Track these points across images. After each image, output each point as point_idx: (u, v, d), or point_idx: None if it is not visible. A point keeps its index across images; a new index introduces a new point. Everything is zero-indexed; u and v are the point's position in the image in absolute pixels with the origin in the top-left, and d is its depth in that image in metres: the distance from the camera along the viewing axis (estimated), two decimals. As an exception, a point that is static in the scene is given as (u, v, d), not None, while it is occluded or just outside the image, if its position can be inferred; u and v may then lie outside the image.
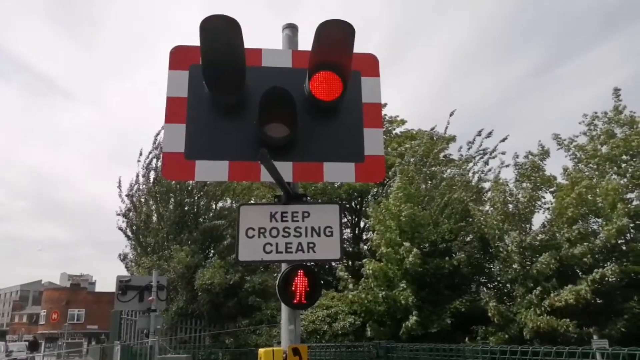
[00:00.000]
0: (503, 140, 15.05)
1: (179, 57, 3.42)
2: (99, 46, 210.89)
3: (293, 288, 3.16)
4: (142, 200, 21.27)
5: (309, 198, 3.61)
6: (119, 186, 21.68)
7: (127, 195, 21.43)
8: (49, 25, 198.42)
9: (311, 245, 3.27)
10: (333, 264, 19.07)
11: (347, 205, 21.18)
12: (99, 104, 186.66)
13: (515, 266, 12.41)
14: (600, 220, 12.65)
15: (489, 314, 11.86)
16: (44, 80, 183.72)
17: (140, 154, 20.68)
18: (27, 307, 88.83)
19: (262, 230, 3.27)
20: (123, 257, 22.96)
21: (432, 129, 17.85)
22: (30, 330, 71.97)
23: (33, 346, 39.03)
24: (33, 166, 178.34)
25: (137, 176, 21.04)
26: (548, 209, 13.71)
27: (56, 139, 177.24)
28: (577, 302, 10.84)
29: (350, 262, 17.35)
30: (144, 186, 21.02)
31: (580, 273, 12.06)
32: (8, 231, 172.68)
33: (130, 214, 21.38)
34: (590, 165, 14.42)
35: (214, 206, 20.80)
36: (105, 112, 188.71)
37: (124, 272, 22.61)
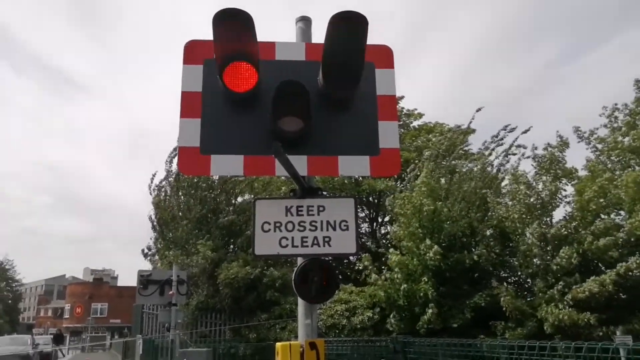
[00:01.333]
0: (525, 132, 14.84)
1: (193, 51, 3.43)
2: (118, 42, 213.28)
3: (309, 282, 3.16)
4: (168, 193, 21.72)
5: (324, 192, 3.60)
6: (152, 178, 22.17)
7: (154, 189, 21.93)
8: (67, 21, 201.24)
9: (327, 239, 3.26)
10: (351, 258, 19.10)
11: (365, 200, 21.12)
12: (118, 99, 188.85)
13: (535, 260, 12.23)
14: (623, 213, 12.39)
15: (504, 307, 11.70)
16: (62, 76, 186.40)
17: (174, 150, 21.02)
18: (52, 302, 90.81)
19: (277, 225, 3.27)
20: (146, 252, 23.41)
21: (458, 126, 17.65)
22: (55, 324, 73.58)
23: (58, 339, 39.83)
24: (54, 161, 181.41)
25: (166, 171, 21.54)
26: (569, 202, 13.47)
27: (76, 134, 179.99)
28: (600, 294, 10.63)
29: (371, 253, 17.24)
30: (170, 180, 21.46)
31: (603, 267, 11.83)
32: (31, 226, 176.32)
33: (159, 208, 21.83)
34: (612, 157, 14.13)
35: (233, 201, 21.02)
36: (124, 107, 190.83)
37: (145, 266, 23.05)
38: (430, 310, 11.93)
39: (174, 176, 21.24)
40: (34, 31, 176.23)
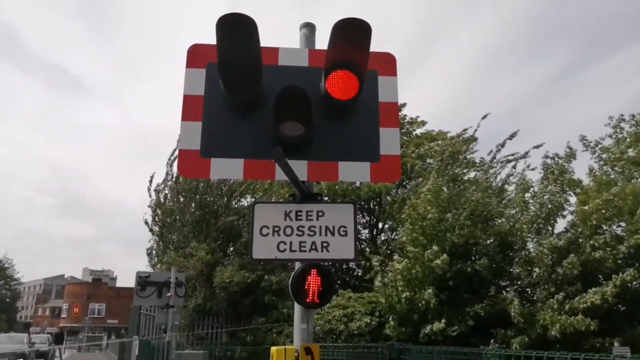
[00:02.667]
0: (537, 147, 14.84)
1: (196, 55, 3.45)
2: (122, 44, 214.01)
3: (306, 287, 3.16)
4: (168, 196, 21.76)
5: (324, 197, 3.61)
6: (151, 180, 22.22)
7: (155, 191, 21.99)
8: (73, 22, 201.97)
9: (325, 244, 3.26)
10: (351, 264, 19.08)
11: (365, 206, 21.10)
12: (122, 101, 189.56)
13: (537, 269, 12.20)
14: (623, 224, 12.37)
15: (512, 314, 11.64)
16: (68, 77, 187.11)
17: (174, 152, 21.09)
18: (50, 301, 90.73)
19: (276, 229, 3.27)
20: (149, 252, 23.50)
21: (464, 130, 17.61)
22: (52, 323, 73.51)
23: (58, 338, 39.73)
24: (58, 162, 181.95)
25: (167, 174, 21.61)
26: (571, 212, 13.46)
27: (80, 136, 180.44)
28: (601, 305, 10.62)
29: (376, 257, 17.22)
30: (169, 183, 21.52)
31: (601, 279, 11.82)
32: (34, 227, 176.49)
33: (158, 210, 21.89)
34: (616, 168, 14.12)
35: (234, 204, 21.03)
36: (128, 110, 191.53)
37: (145, 268, 23.08)
38: (436, 324, 11.85)
39: (173, 179, 21.26)
40: (39, 31, 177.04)
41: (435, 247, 12.35)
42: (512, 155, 15.38)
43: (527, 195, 13.48)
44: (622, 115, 14.95)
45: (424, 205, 13.31)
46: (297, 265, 3.27)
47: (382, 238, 21.04)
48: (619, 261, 11.44)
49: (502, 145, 15.52)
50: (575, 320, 10.62)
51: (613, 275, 10.76)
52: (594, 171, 14.06)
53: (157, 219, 22.17)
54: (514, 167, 15.21)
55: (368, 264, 14.26)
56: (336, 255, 3.27)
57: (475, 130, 16.87)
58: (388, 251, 17.11)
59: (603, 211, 12.00)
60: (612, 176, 13.61)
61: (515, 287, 14.14)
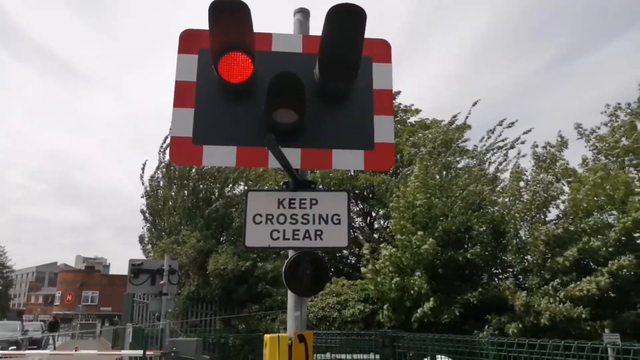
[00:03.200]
0: (526, 132, 14.89)
1: (188, 40, 3.39)
2: (119, 33, 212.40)
3: (299, 275, 3.15)
4: (161, 184, 21.70)
5: (318, 185, 3.59)
6: (143, 168, 22.12)
7: (149, 179, 21.91)
8: (69, 10, 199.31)
9: (318, 232, 3.24)
10: (344, 251, 19.13)
11: (360, 194, 21.12)
12: (118, 90, 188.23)
13: (529, 257, 12.30)
14: (615, 212, 12.47)
15: (515, 303, 11.69)
16: (63, 65, 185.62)
17: (166, 139, 20.98)
18: (42, 288, 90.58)
19: (269, 217, 3.25)
20: (141, 240, 23.51)
21: (454, 116, 17.57)
22: (45, 310, 73.48)
23: (53, 326, 39.68)
24: (54, 150, 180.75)
25: (159, 161, 21.50)
26: (563, 202, 13.54)
27: (76, 124, 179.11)
28: (595, 292, 10.75)
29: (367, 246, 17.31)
30: (162, 170, 21.43)
31: (594, 265, 11.94)
32: (28, 214, 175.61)
33: (150, 198, 21.85)
34: (610, 157, 14.18)
35: (226, 192, 20.98)
36: (124, 98, 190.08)
37: (139, 256, 23.08)
38: (430, 304, 11.93)
39: (165, 166, 21.19)
40: (36, 19, 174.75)
41: (420, 233, 12.41)
42: (502, 141, 15.40)
43: (522, 184, 13.55)
44: (618, 103, 14.99)
45: (413, 193, 13.35)
46: (291, 253, 3.26)
47: (376, 226, 21.12)
48: (611, 249, 11.56)
49: (492, 131, 15.56)
50: (565, 307, 10.74)
51: (610, 262, 10.86)
52: (587, 161, 14.12)
53: (150, 207, 22.16)
54: (506, 155, 15.26)
55: (359, 251, 14.31)
56: (330, 244, 3.26)
57: (467, 117, 16.87)
58: (381, 239, 17.16)
59: (595, 198, 12.09)
60: (607, 165, 13.66)
61: (507, 275, 14.26)
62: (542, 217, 13.00)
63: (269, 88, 3.04)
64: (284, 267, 3.23)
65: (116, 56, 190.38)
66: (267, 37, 3.45)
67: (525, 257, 12.46)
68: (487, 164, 15.67)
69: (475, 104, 16.43)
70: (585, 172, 13.40)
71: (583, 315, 10.55)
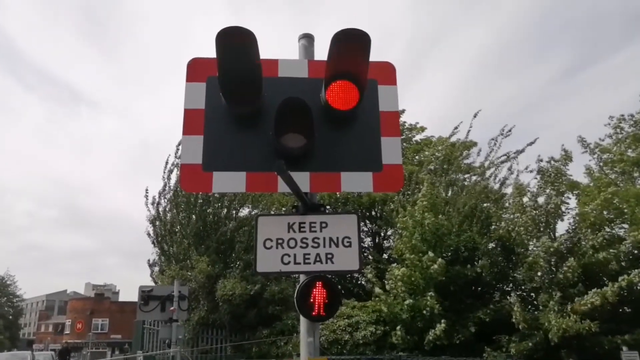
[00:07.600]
0: (531, 143, 14.92)
1: (196, 69, 3.44)
2: (125, 58, 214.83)
3: (312, 300, 3.13)
4: (167, 209, 21.66)
5: (328, 208, 3.58)
6: (146, 194, 22.11)
7: (152, 204, 21.88)
8: (74, 36, 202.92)
9: (329, 256, 3.23)
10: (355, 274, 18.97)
11: (367, 214, 21.06)
12: (124, 115, 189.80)
13: (540, 273, 12.19)
14: (626, 226, 12.36)
15: (514, 320, 11.59)
16: (68, 90, 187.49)
17: (167, 163, 21.06)
18: (52, 317, 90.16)
19: (280, 241, 3.25)
20: (151, 264, 23.33)
21: (456, 127, 17.54)
22: (56, 339, 73.01)
23: (63, 354, 39.37)
24: (60, 176, 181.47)
25: (165, 185, 21.50)
26: (574, 216, 13.45)
27: (82, 149, 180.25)
28: (602, 306, 10.58)
29: (374, 267, 17.19)
30: (168, 195, 21.42)
31: (605, 280, 11.79)
32: (36, 241, 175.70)
33: (157, 223, 21.77)
34: (616, 169, 14.12)
35: (234, 215, 20.94)
36: (130, 123, 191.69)
37: (147, 281, 22.94)
38: (442, 326, 11.79)
39: (172, 192, 21.15)
40: (42, 45, 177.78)
41: (430, 253, 12.36)
42: (506, 155, 15.40)
43: (525, 199, 13.51)
44: (622, 115, 15.00)
45: (420, 211, 13.32)
46: (302, 277, 3.24)
47: (386, 245, 21.00)
48: (622, 263, 11.44)
49: (495, 139, 15.57)
50: (571, 321, 10.58)
51: (620, 277, 10.73)
52: (591, 170, 14.10)
53: (157, 232, 22.05)
54: (510, 168, 15.26)
55: (363, 281, 14.24)
56: (341, 267, 3.24)
57: (469, 130, 16.87)
58: (391, 259, 17.05)
59: (605, 212, 12.01)
60: (612, 177, 13.61)
61: (519, 292, 14.12)
62: (550, 232, 12.91)
63: (277, 113, 3.06)
64: (295, 292, 3.20)
65: (123, 80, 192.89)
66: (274, 63, 3.50)
67: (536, 275, 12.35)
68: (491, 177, 15.66)
69: (475, 115, 16.46)
70: (591, 184, 13.35)
71: (592, 329, 10.39)
